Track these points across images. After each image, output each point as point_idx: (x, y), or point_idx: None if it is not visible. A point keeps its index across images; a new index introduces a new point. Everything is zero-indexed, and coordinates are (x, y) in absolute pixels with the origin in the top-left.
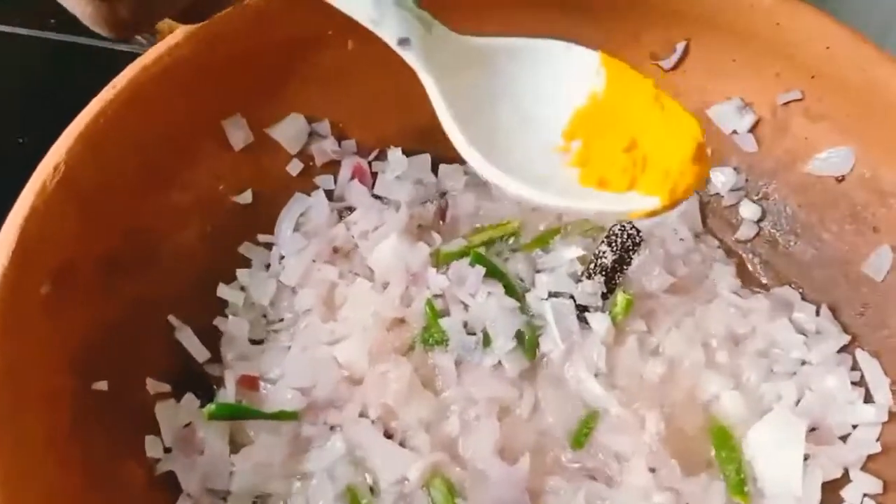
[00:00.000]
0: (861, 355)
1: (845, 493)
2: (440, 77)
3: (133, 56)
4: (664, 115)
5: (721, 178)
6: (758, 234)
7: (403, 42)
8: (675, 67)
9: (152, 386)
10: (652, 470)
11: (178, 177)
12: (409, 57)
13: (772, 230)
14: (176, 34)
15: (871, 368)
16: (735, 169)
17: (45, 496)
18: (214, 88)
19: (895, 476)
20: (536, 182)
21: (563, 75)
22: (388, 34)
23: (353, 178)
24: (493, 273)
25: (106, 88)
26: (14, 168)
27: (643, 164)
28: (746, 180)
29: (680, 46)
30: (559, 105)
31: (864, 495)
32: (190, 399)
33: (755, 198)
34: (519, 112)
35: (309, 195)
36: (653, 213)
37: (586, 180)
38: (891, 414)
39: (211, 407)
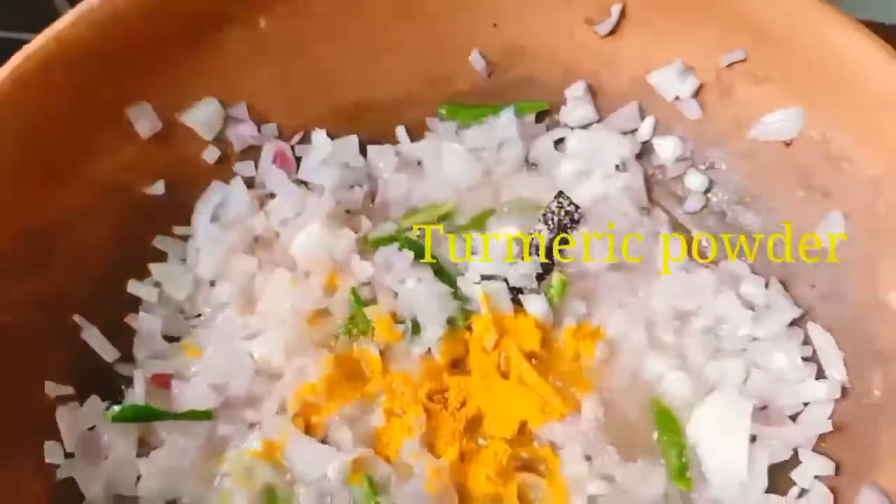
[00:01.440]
0: (813, 329)
1: (795, 475)
2: None
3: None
4: None
5: (665, 148)
6: (705, 205)
7: None
8: (612, 32)
9: (52, 389)
10: (588, 458)
11: (76, 171)
12: None
13: (719, 201)
14: (65, 18)
15: (823, 343)
16: (680, 138)
17: None
18: (113, 74)
19: (849, 457)
20: None
21: None
22: None
23: (274, 163)
24: (423, 257)
25: None
26: None
27: None
28: (692, 150)
29: (616, 9)
30: None
31: (815, 477)
32: (94, 401)
33: (701, 168)
34: None
35: (227, 183)
36: None
37: None
38: (844, 390)
39: (115, 409)
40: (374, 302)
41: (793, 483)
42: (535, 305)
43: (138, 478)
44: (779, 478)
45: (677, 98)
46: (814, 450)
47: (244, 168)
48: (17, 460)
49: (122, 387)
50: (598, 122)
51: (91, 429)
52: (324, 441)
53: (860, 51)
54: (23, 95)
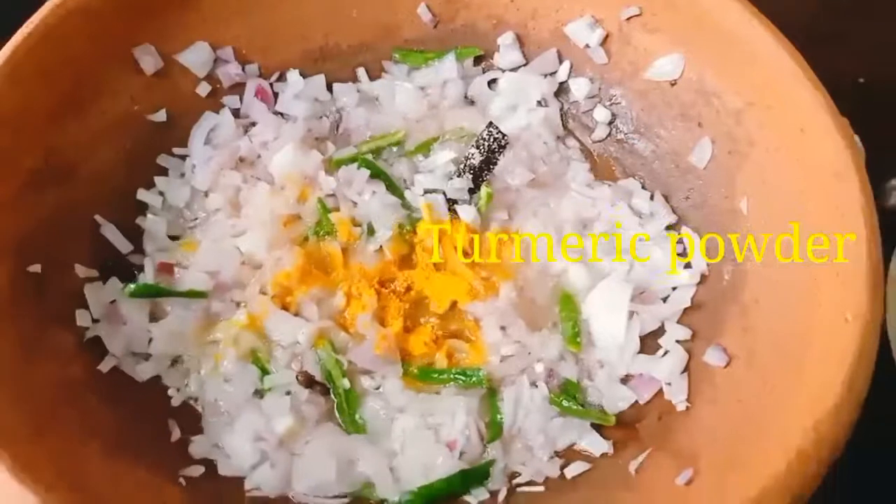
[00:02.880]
0: (685, 231)
1: (661, 340)
2: None
3: None
4: None
5: (578, 87)
6: (609, 134)
7: None
8: None
9: (81, 271)
10: (503, 328)
11: (95, 101)
12: None
13: (620, 131)
14: None
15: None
16: (590, 79)
17: None
18: (124, 21)
19: (703, 326)
20: None
21: None
22: None
23: (256, 97)
24: (378, 174)
25: (22, 27)
26: None
27: None
28: (599, 88)
29: None
30: None
31: (676, 342)
32: (114, 281)
33: (607, 104)
34: None
35: (217, 113)
36: None
37: None
38: (703, 277)
39: (131, 286)
40: (337, 209)
41: (659, 346)
42: (467, 213)
43: (150, 340)
44: (649, 343)
45: (587, 46)
46: (677, 322)
47: (231, 101)
48: (55, 323)
49: (136, 272)
50: (525, 65)
51: (112, 302)
52: (296, 315)
53: (724, 7)
54: (54, 40)
